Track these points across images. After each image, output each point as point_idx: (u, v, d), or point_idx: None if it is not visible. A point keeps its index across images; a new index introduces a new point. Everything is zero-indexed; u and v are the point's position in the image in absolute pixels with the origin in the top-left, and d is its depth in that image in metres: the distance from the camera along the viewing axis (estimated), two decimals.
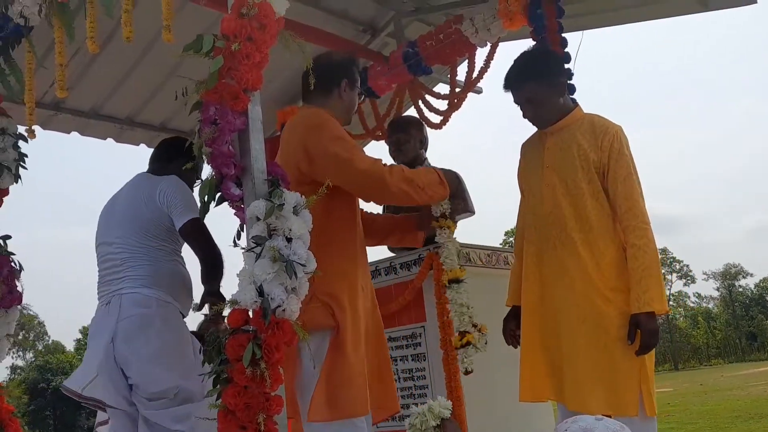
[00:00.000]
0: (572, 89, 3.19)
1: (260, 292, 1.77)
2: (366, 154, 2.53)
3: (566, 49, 3.30)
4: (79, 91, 3.77)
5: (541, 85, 2.58)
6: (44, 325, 53.40)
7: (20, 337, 51.17)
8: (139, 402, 2.67)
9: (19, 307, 3.00)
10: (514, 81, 2.64)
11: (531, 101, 2.61)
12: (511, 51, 3.90)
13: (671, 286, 58.17)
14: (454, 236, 2.91)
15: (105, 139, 4.13)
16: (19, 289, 2.97)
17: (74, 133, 4.01)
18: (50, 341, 53.05)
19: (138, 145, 4.30)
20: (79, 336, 49.89)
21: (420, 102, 3.98)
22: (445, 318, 3.21)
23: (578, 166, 2.52)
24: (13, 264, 2.97)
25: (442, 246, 2.91)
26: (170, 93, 4.15)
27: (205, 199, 1.92)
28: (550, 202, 2.59)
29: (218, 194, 1.93)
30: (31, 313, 52.71)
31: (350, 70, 2.66)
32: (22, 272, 2.99)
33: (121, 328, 2.65)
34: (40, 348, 52.32)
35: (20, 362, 51.73)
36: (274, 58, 4.03)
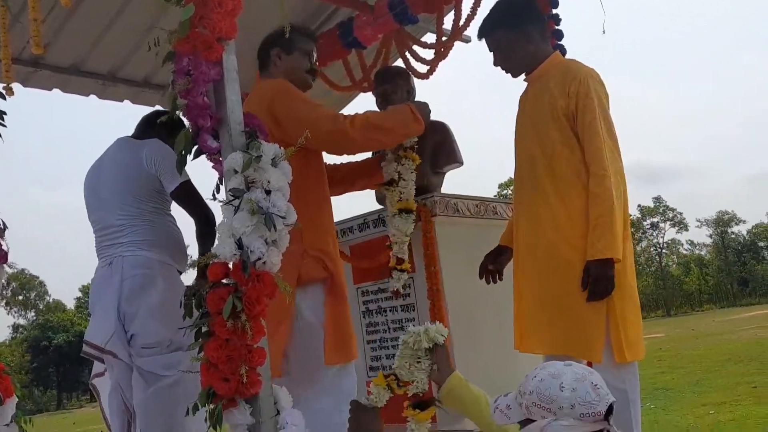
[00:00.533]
0: (558, 35, 3.15)
1: (239, 245, 1.76)
2: (328, 110, 2.59)
3: None
4: (58, 47, 3.68)
5: (508, 32, 2.57)
6: (45, 285, 53.78)
7: (21, 297, 51.57)
8: (134, 352, 2.81)
9: (5, 265, 2.98)
10: (483, 29, 2.64)
11: (498, 48, 2.61)
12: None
13: (664, 234, 58.64)
14: (413, 169, 3.02)
15: (88, 95, 4.06)
16: (4, 247, 2.95)
17: (56, 90, 3.93)
18: (51, 300, 53.50)
19: (122, 101, 4.21)
20: (79, 294, 50.27)
21: (406, 52, 3.91)
22: (432, 268, 3.23)
23: (549, 113, 2.49)
24: None
25: (402, 178, 2.99)
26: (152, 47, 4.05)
27: (182, 152, 1.89)
28: (525, 151, 2.61)
29: (195, 147, 1.90)
30: (32, 273, 52.97)
31: (281, 38, 2.70)
32: (7, 230, 2.96)
33: (126, 287, 2.81)
34: (41, 307, 52.77)
35: (22, 321, 52.26)
36: (255, 15, 4.01)
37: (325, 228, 2.61)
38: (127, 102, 4.21)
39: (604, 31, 3.20)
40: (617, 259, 2.35)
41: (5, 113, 3.00)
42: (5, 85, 2.79)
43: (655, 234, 59.29)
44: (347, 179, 3.07)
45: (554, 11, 3.23)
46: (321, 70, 4.23)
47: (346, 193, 3.15)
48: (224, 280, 1.78)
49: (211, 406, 1.74)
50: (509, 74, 2.67)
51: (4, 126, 3.02)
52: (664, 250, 59.51)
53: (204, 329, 1.78)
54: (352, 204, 3.44)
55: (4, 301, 51.83)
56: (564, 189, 2.46)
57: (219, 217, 1.84)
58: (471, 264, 3.36)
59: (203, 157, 1.94)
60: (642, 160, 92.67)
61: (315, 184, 2.62)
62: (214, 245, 1.80)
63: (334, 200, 2.81)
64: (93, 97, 4.06)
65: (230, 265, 1.77)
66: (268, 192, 1.82)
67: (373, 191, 3.82)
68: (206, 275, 1.79)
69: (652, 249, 59.37)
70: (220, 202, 1.80)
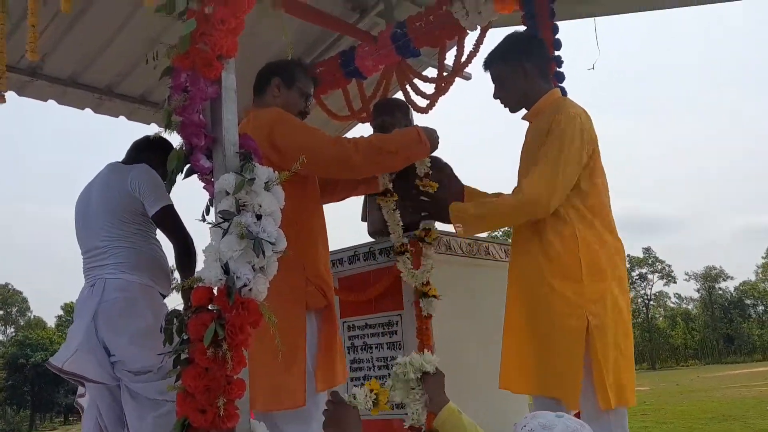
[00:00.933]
0: (560, 77, 3.13)
1: (226, 269, 1.68)
2: (328, 136, 2.59)
3: (557, 36, 3.24)
4: (56, 58, 3.64)
5: (505, 66, 2.58)
6: (27, 301, 53.07)
7: (1, 312, 50.79)
8: (124, 376, 2.79)
9: None
10: (485, 60, 2.66)
11: (496, 80, 2.63)
12: (501, 37, 3.80)
13: (652, 286, 58.67)
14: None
15: (83, 109, 4.00)
16: None
17: (51, 102, 3.88)
18: (32, 317, 52.73)
19: (117, 117, 4.16)
20: (61, 313, 49.58)
21: (407, 85, 3.89)
22: (421, 306, 3.15)
23: (536, 151, 2.46)
24: None
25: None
26: (151, 64, 4.01)
27: (173, 170, 1.82)
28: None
29: (187, 166, 1.84)
30: (15, 288, 52.32)
31: (284, 70, 2.75)
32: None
33: (102, 310, 2.79)
34: (21, 323, 51.95)
35: (0, 337, 51.42)
36: (259, 33, 4.00)
37: (323, 257, 2.64)
38: (122, 118, 4.16)
39: (593, 68, 3.18)
40: (454, 216, 2.49)
41: None
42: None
43: (643, 285, 59.32)
44: (349, 184, 3.00)
45: (557, 53, 3.21)
46: (322, 98, 4.22)
47: (348, 198, 3.09)
48: (209, 306, 1.70)
49: None
50: (507, 108, 2.65)
51: None
52: (651, 302, 59.49)
53: (183, 356, 1.69)
54: (344, 236, 3.37)
55: None
56: (542, 229, 2.43)
57: (207, 240, 1.77)
58: (461, 303, 3.29)
59: (196, 177, 1.88)
60: (633, 209, 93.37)
61: (313, 213, 2.64)
62: (200, 268, 1.73)
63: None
64: (88, 110, 4.00)
65: (215, 291, 1.69)
66: (259, 216, 1.75)
67: (365, 225, 3.76)
68: (190, 300, 1.71)
69: (639, 300, 59.33)
70: (209, 224, 1.73)
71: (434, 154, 2.81)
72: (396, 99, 3.88)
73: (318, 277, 2.56)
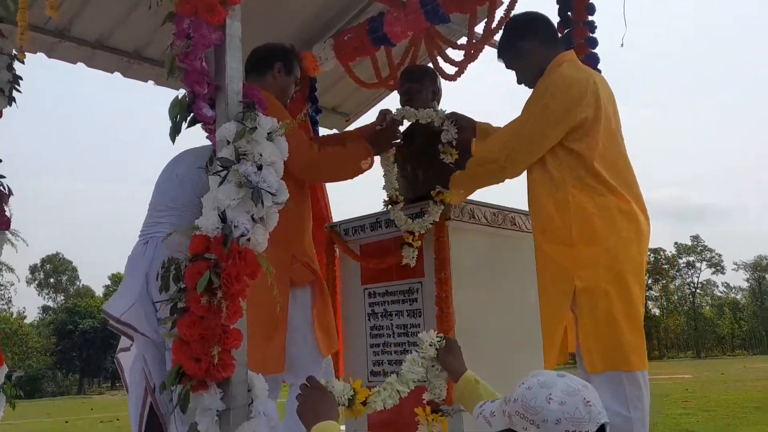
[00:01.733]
0: (592, 43, 3.05)
1: (223, 218, 1.66)
2: (306, 140, 2.84)
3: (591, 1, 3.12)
4: (84, 19, 3.65)
5: (509, 53, 2.67)
6: (77, 270, 54.78)
7: (52, 280, 52.58)
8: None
9: (7, 232, 2.94)
10: (497, 54, 2.75)
11: (510, 69, 2.71)
12: (534, 7, 3.70)
13: (700, 275, 57.27)
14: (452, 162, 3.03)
15: (112, 72, 4.02)
16: (7, 213, 2.91)
17: (80, 64, 3.90)
18: (81, 285, 54.46)
19: (146, 81, 4.17)
20: (109, 283, 51.02)
21: (435, 52, 3.79)
22: (442, 274, 3.09)
23: None
24: (1, 188, 2.90)
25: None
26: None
27: (176, 119, 1.80)
28: None
29: (191, 114, 1.81)
30: (66, 257, 54.04)
31: (287, 57, 2.94)
32: (11, 197, 2.93)
33: (154, 267, 2.73)
34: (71, 291, 53.72)
35: (51, 304, 53.25)
36: (288, 2, 3.95)
37: (309, 235, 2.89)
38: (151, 83, 4.17)
39: (622, 45, 3.07)
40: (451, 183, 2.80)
41: (21, 78, 2.98)
42: (18, 47, 2.76)
43: (690, 273, 57.97)
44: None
45: (590, 18, 3.09)
46: (350, 65, 4.16)
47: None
48: (206, 255, 1.68)
49: (180, 386, 1.63)
50: (531, 88, 2.64)
51: (19, 92, 3.00)
52: (698, 291, 58.10)
53: (180, 305, 1.68)
54: (363, 203, 3.35)
55: (36, 282, 52.93)
56: (537, 195, 2.49)
57: None
58: (483, 273, 3.22)
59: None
60: (680, 198, 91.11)
61: (300, 193, 2.80)
62: (199, 218, 1.71)
63: (347, 197, 2.87)
64: (117, 74, 4.02)
65: (212, 239, 1.67)
66: (260, 167, 1.72)
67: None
68: None
69: (686, 288, 58.04)
70: (207, 173, 1.71)
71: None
72: (423, 66, 3.79)
73: (304, 255, 2.79)
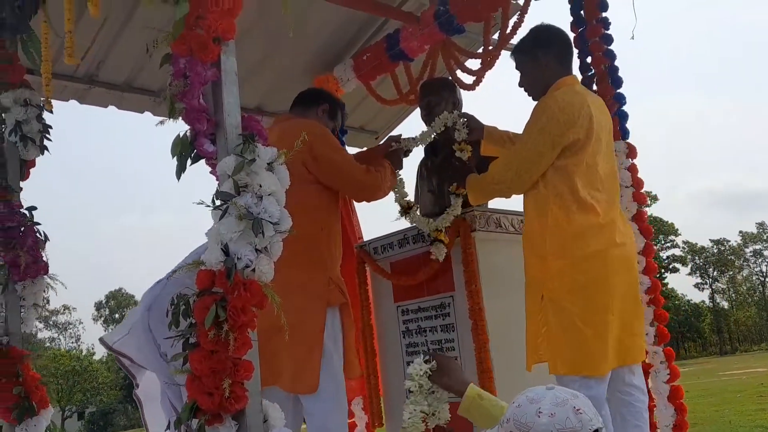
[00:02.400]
0: (608, 40, 3.01)
1: (226, 251, 1.68)
2: (358, 164, 3.02)
3: None
4: (111, 64, 3.78)
5: (524, 57, 2.73)
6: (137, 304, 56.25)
7: (117, 315, 54.15)
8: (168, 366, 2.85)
9: (46, 276, 3.04)
10: (512, 51, 2.82)
11: (518, 70, 2.77)
12: (547, 9, 3.66)
13: None
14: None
15: (142, 112, 4.14)
16: (44, 258, 3.01)
17: (112, 107, 4.04)
18: None
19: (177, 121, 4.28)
20: None
21: (453, 63, 3.78)
22: (473, 287, 3.06)
23: None
24: (38, 234, 3.00)
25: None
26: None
27: (180, 156, 1.84)
28: None
29: (194, 151, 1.85)
30: (128, 292, 55.66)
31: (334, 103, 3.15)
32: (47, 243, 3.03)
33: (159, 303, 2.79)
34: None
35: None
36: (306, 26, 4.01)
37: (339, 259, 3.03)
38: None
39: (633, 37, 3.01)
40: (467, 185, 2.87)
41: (51, 127, 3.09)
42: (45, 99, 2.87)
43: (758, 262, 55.80)
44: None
45: (603, 15, 3.03)
46: (371, 84, 4.19)
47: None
48: (213, 290, 1.70)
49: (195, 421, 1.65)
50: (530, 96, 2.76)
51: (50, 140, 3.11)
52: (767, 279, 55.87)
53: (192, 340, 1.70)
54: (389, 220, 3.37)
55: (102, 318, 54.57)
56: (532, 207, 2.62)
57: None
58: (513, 282, 3.16)
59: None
60: (741, 184, 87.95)
61: (336, 218, 3.02)
62: (204, 253, 1.73)
63: (372, 215, 2.97)
64: (147, 113, 4.14)
65: (216, 273, 1.69)
66: (260, 197, 1.73)
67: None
68: None
69: (754, 278, 55.87)
70: (206, 206, 1.73)
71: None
72: (441, 78, 3.79)
73: (338, 278, 2.94)
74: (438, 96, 3.50)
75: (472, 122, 3.12)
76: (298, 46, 4.16)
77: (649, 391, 2.74)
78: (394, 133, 3.67)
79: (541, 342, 2.53)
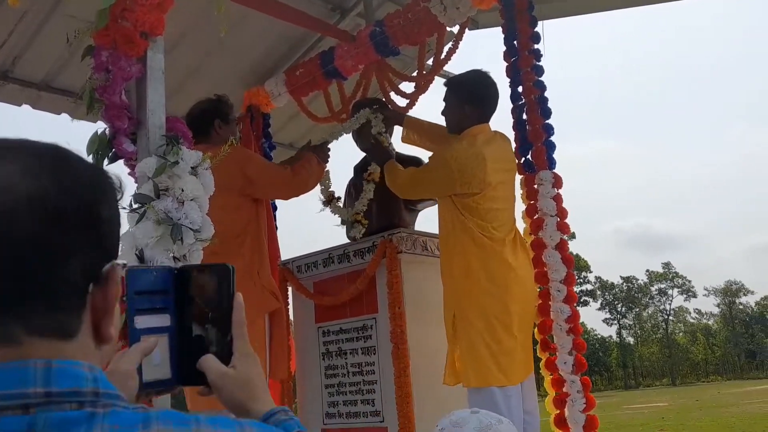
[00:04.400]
0: (539, 71, 3.05)
1: (140, 257, 1.57)
2: (279, 167, 3.30)
3: (536, 29, 3.14)
4: (27, 60, 3.57)
5: (454, 98, 2.99)
6: None
7: None
8: None
9: None
10: (446, 82, 3.11)
11: (444, 103, 3.04)
12: (482, 39, 3.72)
13: (672, 301, 57.78)
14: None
15: (59, 113, 3.93)
16: None
17: (26, 106, 3.81)
18: None
19: (96, 122, 4.08)
20: None
21: (387, 84, 3.77)
22: (396, 309, 3.02)
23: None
24: None
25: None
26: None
27: (97, 155, 1.72)
28: None
29: (112, 150, 1.74)
30: None
31: (220, 110, 3.21)
32: None
33: None
34: None
35: None
36: (241, 37, 3.92)
37: (268, 265, 3.15)
38: (100, 122, 4.07)
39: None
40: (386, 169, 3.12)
41: None
42: None
43: (662, 300, 58.42)
44: None
45: (536, 46, 3.10)
46: (303, 100, 4.12)
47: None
48: (124, 298, 1.58)
49: None
50: (446, 126, 3.09)
51: None
52: (671, 318, 58.51)
53: None
54: (317, 239, 3.39)
55: None
56: (446, 233, 2.88)
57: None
58: (438, 305, 3.15)
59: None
60: (649, 226, 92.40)
61: (263, 227, 3.15)
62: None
63: (296, 234, 2.99)
64: (65, 115, 3.93)
65: None
66: (181, 202, 1.64)
67: (343, 228, 3.65)
68: None
69: (658, 315, 58.42)
70: (123, 208, 1.62)
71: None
72: (373, 98, 3.77)
73: (270, 283, 3.04)
74: (362, 142, 3.50)
75: (386, 111, 3.41)
76: (231, 57, 4.06)
77: (565, 421, 2.75)
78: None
79: (456, 358, 2.73)
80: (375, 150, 3.27)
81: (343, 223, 3.60)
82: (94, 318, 0.63)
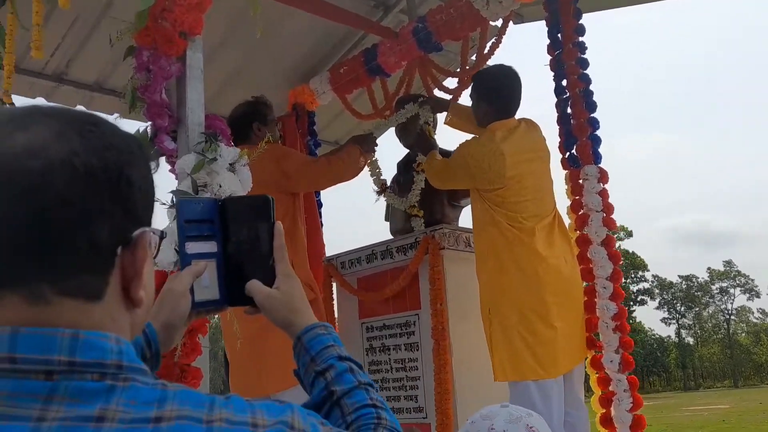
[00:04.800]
0: (583, 64, 2.99)
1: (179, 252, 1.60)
2: (312, 159, 3.40)
3: (581, 22, 3.08)
4: (81, 62, 3.69)
5: (476, 95, 3.02)
6: None
7: None
8: None
9: None
10: (474, 76, 3.13)
11: (470, 97, 3.09)
12: (525, 33, 3.68)
13: (734, 301, 55.93)
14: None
15: (112, 114, 4.05)
16: None
17: (80, 107, 3.93)
18: None
19: (146, 121, 4.19)
20: None
21: (430, 80, 3.76)
22: (438, 305, 3.01)
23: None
24: None
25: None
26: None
27: None
28: None
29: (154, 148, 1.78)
30: None
31: (258, 112, 3.25)
32: None
33: None
34: None
35: None
36: (285, 37, 3.97)
37: (305, 260, 3.18)
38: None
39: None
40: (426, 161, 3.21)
41: None
42: (4, 91, 2.78)
43: (723, 299, 56.60)
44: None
45: (580, 39, 3.04)
46: (347, 97, 4.15)
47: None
48: None
49: None
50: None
51: None
52: (732, 317, 56.64)
53: None
54: (359, 235, 3.42)
55: None
56: (478, 228, 2.88)
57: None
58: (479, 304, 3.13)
59: None
60: (707, 222, 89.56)
61: (301, 222, 3.20)
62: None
63: (342, 231, 3.00)
64: (116, 115, 4.05)
65: (169, 275, 1.62)
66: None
67: (387, 224, 3.66)
68: None
69: (720, 315, 56.63)
70: (161, 203, 1.66)
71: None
72: (416, 94, 3.76)
73: (305, 275, 3.02)
74: (407, 136, 3.49)
75: (432, 102, 3.46)
76: (274, 56, 4.11)
77: (611, 420, 2.69)
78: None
79: (495, 353, 2.70)
80: (421, 140, 3.31)
81: (388, 218, 3.62)
82: (123, 281, 0.65)
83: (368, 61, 3.84)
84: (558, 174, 3.02)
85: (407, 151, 3.62)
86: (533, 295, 2.66)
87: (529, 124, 2.94)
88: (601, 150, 2.98)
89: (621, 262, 2.80)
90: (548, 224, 2.79)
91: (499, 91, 2.94)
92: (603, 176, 2.88)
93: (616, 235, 3.01)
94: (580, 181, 2.89)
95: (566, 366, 2.65)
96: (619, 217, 2.94)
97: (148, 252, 0.67)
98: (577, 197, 2.89)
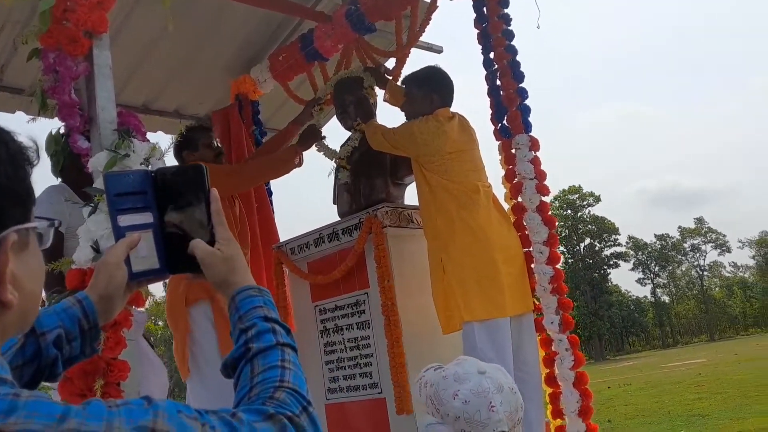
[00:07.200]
0: (509, 36, 3.04)
1: (96, 249, 1.63)
2: (233, 168, 3.62)
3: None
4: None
5: (419, 91, 3.15)
6: None
7: None
8: None
9: None
10: (405, 79, 3.31)
11: (406, 97, 3.23)
12: (452, 6, 3.72)
13: (705, 257, 57.02)
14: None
15: (14, 112, 3.87)
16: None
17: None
18: None
19: (156, 131, 4.30)
20: None
21: (368, 61, 3.79)
22: (385, 282, 3.06)
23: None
24: None
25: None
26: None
27: (54, 154, 1.79)
28: None
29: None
30: None
31: (185, 141, 3.38)
32: None
33: None
34: None
35: None
36: (223, 28, 3.96)
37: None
38: (160, 132, 4.32)
39: (538, 27, 3.08)
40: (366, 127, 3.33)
41: None
42: None
43: (696, 256, 57.68)
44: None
45: (504, 11, 3.09)
46: (288, 84, 4.16)
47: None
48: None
49: None
50: (407, 119, 3.27)
51: None
52: (705, 273, 57.79)
53: None
54: (307, 220, 3.45)
55: None
56: (427, 192, 3.01)
57: None
58: (426, 276, 3.19)
59: None
60: (676, 183, 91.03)
61: (234, 218, 3.33)
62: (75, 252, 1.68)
63: (292, 216, 3.06)
64: None
65: (87, 272, 1.64)
66: None
67: (335, 207, 3.69)
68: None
69: (693, 272, 57.73)
70: (73, 203, 1.69)
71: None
72: (354, 76, 3.79)
73: None
74: (351, 93, 3.51)
75: (376, 74, 3.59)
76: (216, 49, 4.11)
77: (555, 378, 2.78)
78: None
79: (449, 302, 2.82)
80: (363, 104, 3.45)
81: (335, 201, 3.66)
82: None
83: (305, 47, 3.86)
84: (492, 145, 3.09)
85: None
86: (481, 245, 2.82)
87: (462, 117, 3.15)
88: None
89: (555, 227, 2.87)
90: (489, 193, 2.97)
91: (443, 82, 3.17)
92: (534, 144, 2.95)
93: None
94: (513, 150, 2.95)
95: (514, 308, 2.81)
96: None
97: (9, 254, 0.67)
98: (510, 166, 2.96)
